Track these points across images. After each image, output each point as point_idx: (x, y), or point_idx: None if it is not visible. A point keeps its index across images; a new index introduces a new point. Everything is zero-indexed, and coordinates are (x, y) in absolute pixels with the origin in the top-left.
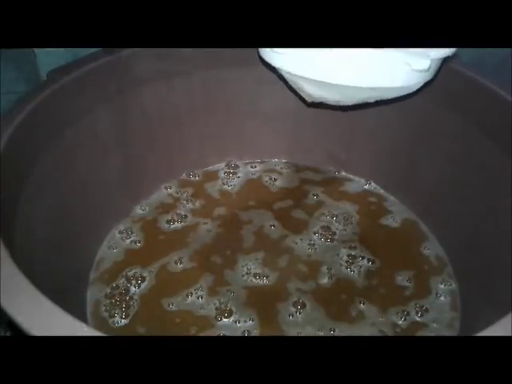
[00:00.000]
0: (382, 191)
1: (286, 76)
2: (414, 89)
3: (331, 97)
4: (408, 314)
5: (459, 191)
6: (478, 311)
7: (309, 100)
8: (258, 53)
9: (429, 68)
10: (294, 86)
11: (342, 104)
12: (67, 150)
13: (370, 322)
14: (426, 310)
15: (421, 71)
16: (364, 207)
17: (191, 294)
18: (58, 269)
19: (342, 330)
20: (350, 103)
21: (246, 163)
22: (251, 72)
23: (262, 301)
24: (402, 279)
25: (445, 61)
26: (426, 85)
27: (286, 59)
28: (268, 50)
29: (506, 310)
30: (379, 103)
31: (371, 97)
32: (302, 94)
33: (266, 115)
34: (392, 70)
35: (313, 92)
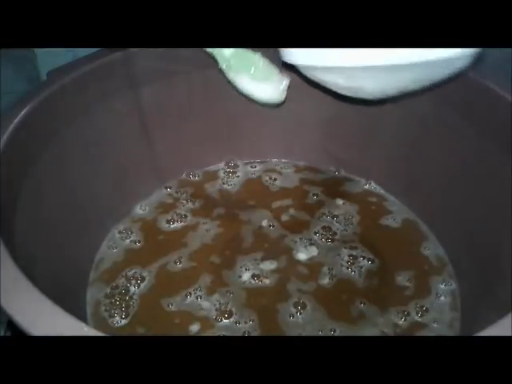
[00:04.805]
0: (382, 191)
1: (317, 76)
2: (456, 67)
3: (370, 85)
4: (408, 314)
5: (459, 191)
6: (478, 311)
7: (348, 94)
8: (280, 57)
9: None
10: (328, 85)
11: (382, 96)
12: (67, 149)
13: (371, 322)
14: (427, 310)
15: None
16: (364, 207)
17: (190, 294)
18: (58, 269)
19: (343, 331)
20: (390, 93)
21: (246, 163)
22: None
23: (262, 301)
24: (403, 279)
25: None
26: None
27: (314, 53)
28: (293, 49)
29: (506, 310)
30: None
31: (411, 81)
32: (339, 90)
33: (265, 115)
34: None
35: (350, 84)
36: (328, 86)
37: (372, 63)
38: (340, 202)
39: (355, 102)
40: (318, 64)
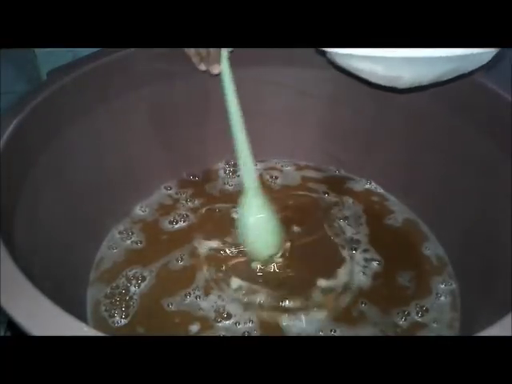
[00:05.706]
0: (382, 191)
1: (353, 65)
2: (487, 59)
3: (408, 75)
4: (409, 314)
5: (459, 191)
6: (478, 311)
7: (382, 83)
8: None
9: None
10: (362, 74)
11: (416, 84)
12: (67, 149)
13: (371, 322)
14: (427, 311)
15: None
16: (364, 207)
17: (190, 294)
18: (58, 269)
19: (343, 331)
20: (425, 82)
21: None
22: (251, 72)
23: (262, 302)
24: (403, 279)
25: None
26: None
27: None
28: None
29: (506, 310)
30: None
31: (447, 72)
32: (374, 79)
33: (265, 115)
34: None
35: (388, 73)
36: (362, 74)
37: (413, 54)
38: (340, 201)
39: (355, 101)
40: (357, 53)
